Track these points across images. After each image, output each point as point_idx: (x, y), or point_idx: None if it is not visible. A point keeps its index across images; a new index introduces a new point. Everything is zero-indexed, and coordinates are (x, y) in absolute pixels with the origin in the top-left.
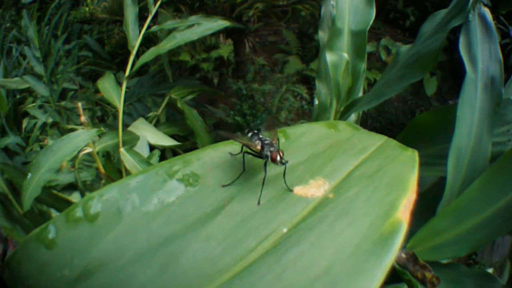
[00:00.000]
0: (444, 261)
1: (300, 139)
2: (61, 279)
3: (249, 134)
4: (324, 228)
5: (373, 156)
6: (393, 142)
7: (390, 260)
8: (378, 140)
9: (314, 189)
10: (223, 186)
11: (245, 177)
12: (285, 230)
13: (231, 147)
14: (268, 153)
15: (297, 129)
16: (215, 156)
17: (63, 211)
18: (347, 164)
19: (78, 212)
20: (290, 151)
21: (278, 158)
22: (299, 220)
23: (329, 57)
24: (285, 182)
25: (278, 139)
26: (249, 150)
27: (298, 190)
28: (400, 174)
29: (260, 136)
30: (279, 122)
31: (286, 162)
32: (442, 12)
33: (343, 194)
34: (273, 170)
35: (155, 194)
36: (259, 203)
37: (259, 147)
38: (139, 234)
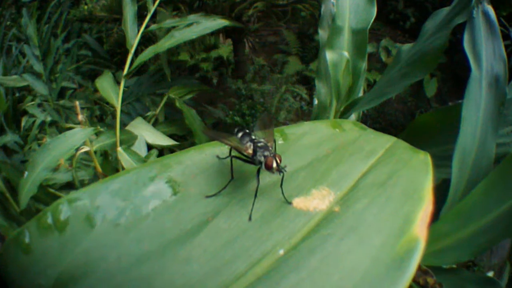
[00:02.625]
0: (445, 266)
1: (301, 141)
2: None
3: (239, 135)
4: (328, 249)
5: (383, 160)
6: (403, 144)
7: (405, 286)
8: (386, 141)
9: (317, 200)
10: (207, 196)
11: (234, 187)
12: (281, 252)
13: (219, 149)
14: (262, 159)
15: (297, 128)
16: (199, 159)
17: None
18: (355, 170)
19: (49, 218)
20: (289, 154)
21: (274, 165)
22: (299, 239)
23: (329, 55)
24: (282, 192)
25: (274, 141)
26: (238, 155)
27: (298, 202)
28: (414, 182)
29: (253, 137)
30: (278, 121)
31: (284, 170)
32: (445, 10)
33: (351, 207)
34: (268, 177)
35: (127, 204)
36: (250, 218)
37: (250, 151)
38: (109, 250)
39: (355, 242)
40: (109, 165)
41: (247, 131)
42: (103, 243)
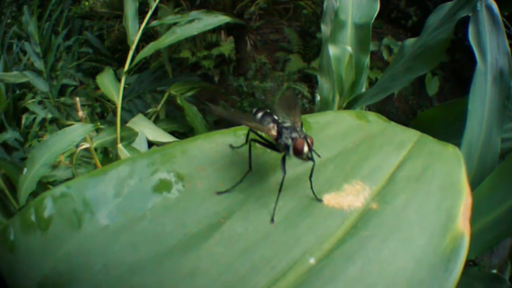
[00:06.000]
0: None
1: (325, 130)
2: None
3: (259, 114)
4: (369, 254)
5: (414, 152)
6: (430, 138)
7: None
8: (413, 134)
9: (351, 196)
10: (219, 193)
11: (251, 181)
12: (312, 260)
13: (232, 138)
14: (289, 142)
15: (321, 117)
16: (209, 149)
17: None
18: (388, 163)
19: (32, 215)
20: (314, 144)
21: (306, 148)
22: (333, 244)
23: (332, 50)
24: (311, 187)
25: (301, 123)
26: (258, 138)
27: (329, 199)
28: (450, 174)
29: (275, 117)
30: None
31: (317, 155)
32: (448, 5)
33: (390, 203)
34: (291, 169)
35: (120, 202)
36: (272, 220)
37: (274, 133)
38: (95, 256)
39: (398, 243)
40: (110, 162)
41: (268, 110)
42: (89, 248)
